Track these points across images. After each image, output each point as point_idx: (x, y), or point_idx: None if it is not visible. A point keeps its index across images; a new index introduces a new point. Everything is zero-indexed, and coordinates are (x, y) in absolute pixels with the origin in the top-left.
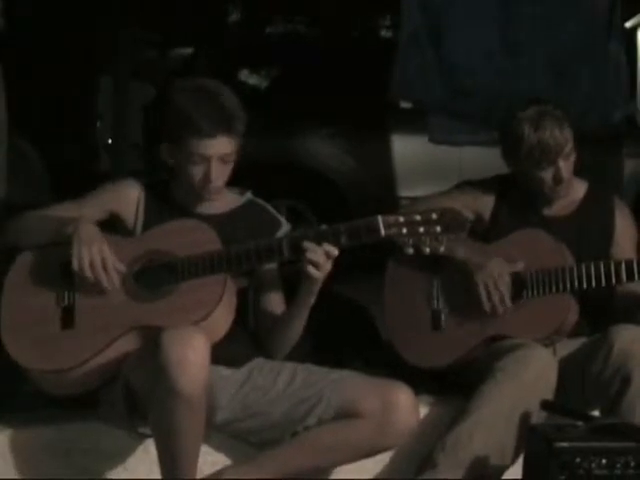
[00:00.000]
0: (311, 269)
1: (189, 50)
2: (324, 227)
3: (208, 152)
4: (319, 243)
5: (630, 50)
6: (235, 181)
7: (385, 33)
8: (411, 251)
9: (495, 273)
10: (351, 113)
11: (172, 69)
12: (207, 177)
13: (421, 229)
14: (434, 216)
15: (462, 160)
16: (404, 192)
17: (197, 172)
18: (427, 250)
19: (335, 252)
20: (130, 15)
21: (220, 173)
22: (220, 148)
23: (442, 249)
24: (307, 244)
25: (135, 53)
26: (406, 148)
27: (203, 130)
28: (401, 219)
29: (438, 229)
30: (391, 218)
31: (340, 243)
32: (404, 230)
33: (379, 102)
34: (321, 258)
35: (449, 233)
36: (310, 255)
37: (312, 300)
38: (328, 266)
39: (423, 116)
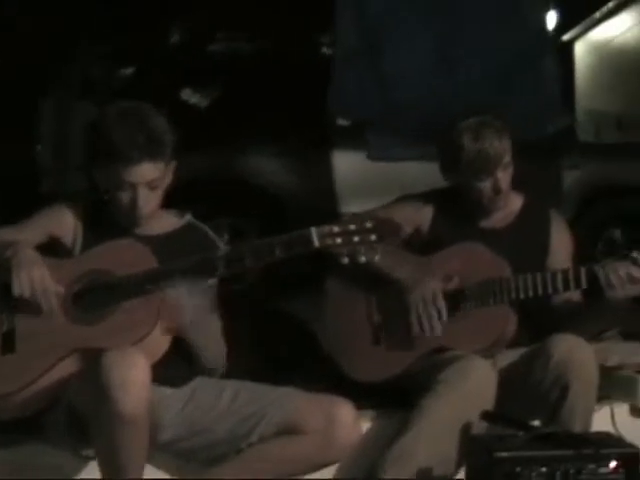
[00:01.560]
0: None
1: (131, 69)
2: (259, 241)
3: (133, 179)
4: (255, 257)
5: (568, 63)
6: (178, 199)
7: (327, 50)
8: (346, 261)
9: (428, 295)
10: (294, 130)
11: (114, 88)
12: (134, 203)
13: (356, 238)
14: (368, 225)
15: (404, 175)
16: (347, 208)
17: (124, 198)
18: (363, 259)
19: None
20: (74, 33)
21: (148, 199)
22: (146, 175)
23: (377, 257)
24: None
25: (78, 72)
26: (348, 164)
27: (127, 157)
28: (335, 229)
29: (373, 237)
30: (325, 229)
31: (275, 256)
32: (338, 240)
33: (321, 119)
34: None
35: (384, 241)
36: None
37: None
38: None
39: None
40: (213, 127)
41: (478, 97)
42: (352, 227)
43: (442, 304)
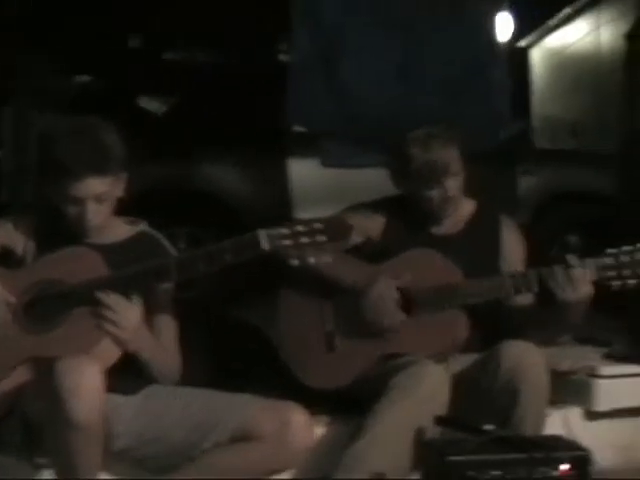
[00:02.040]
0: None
1: (88, 78)
2: (210, 246)
3: (80, 194)
4: (206, 262)
5: (524, 69)
6: (135, 208)
7: (284, 59)
8: (296, 263)
9: (383, 291)
10: (249, 139)
11: (72, 97)
12: (81, 218)
13: (305, 240)
14: (317, 226)
15: (359, 183)
16: (303, 215)
17: (72, 212)
18: (312, 260)
19: None
20: (32, 42)
21: (96, 212)
22: (93, 189)
23: (327, 258)
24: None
25: (36, 81)
26: (304, 172)
27: (74, 172)
28: (284, 231)
29: (322, 238)
30: (274, 231)
31: (226, 260)
32: (287, 242)
33: (277, 127)
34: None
35: (333, 242)
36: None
37: None
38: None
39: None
40: (170, 136)
41: (432, 107)
42: (301, 229)
43: (398, 298)
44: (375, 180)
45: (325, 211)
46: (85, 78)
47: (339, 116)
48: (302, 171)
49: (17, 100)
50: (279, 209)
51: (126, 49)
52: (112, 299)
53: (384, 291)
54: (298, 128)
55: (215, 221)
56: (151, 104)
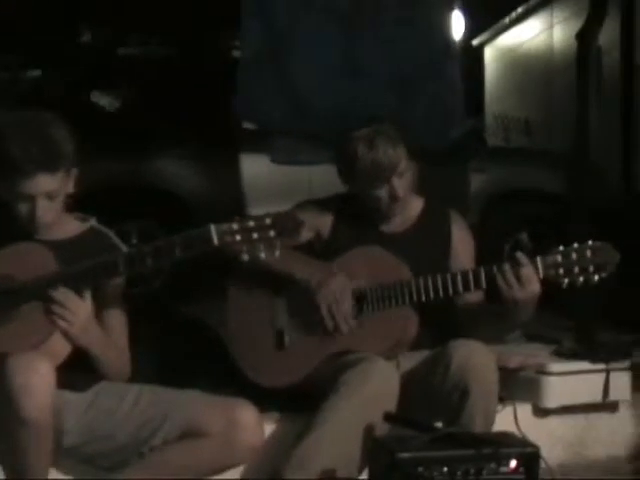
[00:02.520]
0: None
1: (39, 72)
2: (159, 240)
3: (30, 191)
4: (155, 256)
5: (477, 67)
6: (85, 204)
7: (234, 54)
8: (246, 258)
9: (337, 291)
10: (202, 134)
11: (24, 91)
12: (32, 215)
13: (255, 235)
14: (267, 221)
15: (311, 179)
16: (254, 211)
17: (22, 209)
18: (262, 255)
19: None
20: None
21: (47, 209)
22: (43, 186)
23: (277, 253)
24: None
25: None
26: (255, 168)
27: (23, 169)
28: (234, 226)
29: (272, 233)
30: (224, 226)
31: (175, 254)
32: (238, 237)
33: (228, 122)
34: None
35: (283, 237)
36: None
37: None
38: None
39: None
40: (122, 131)
41: (381, 104)
42: (251, 224)
43: (351, 298)
44: (327, 177)
45: (277, 207)
46: (36, 73)
47: (288, 113)
48: (254, 167)
49: None
50: (230, 204)
51: (78, 44)
52: (62, 294)
53: (338, 292)
54: (248, 124)
55: (168, 217)
56: (103, 99)
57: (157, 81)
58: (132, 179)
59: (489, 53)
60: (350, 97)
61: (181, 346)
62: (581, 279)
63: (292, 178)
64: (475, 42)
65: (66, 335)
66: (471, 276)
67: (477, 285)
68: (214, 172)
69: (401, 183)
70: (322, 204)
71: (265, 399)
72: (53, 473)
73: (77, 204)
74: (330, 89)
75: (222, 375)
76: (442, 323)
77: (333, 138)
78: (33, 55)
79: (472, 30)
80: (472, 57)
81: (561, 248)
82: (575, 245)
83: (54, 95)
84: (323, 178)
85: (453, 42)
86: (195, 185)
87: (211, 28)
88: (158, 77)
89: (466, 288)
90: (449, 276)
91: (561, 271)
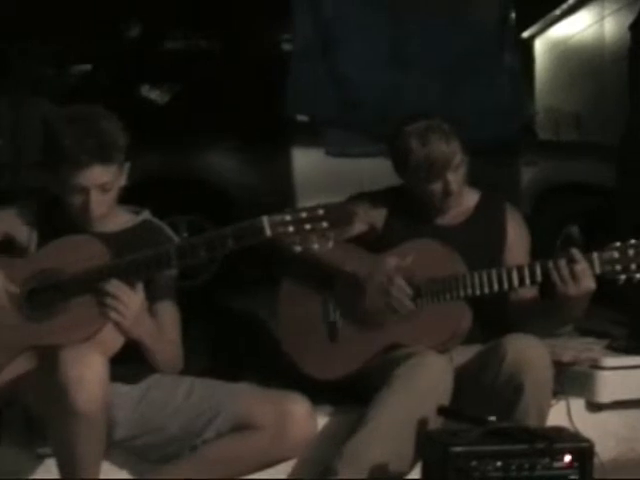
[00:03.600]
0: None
1: (89, 66)
2: (212, 232)
3: (84, 183)
4: (207, 248)
5: (527, 60)
6: (136, 197)
7: (285, 47)
8: (299, 249)
9: (389, 273)
10: (251, 127)
11: (73, 85)
12: (85, 207)
13: (308, 226)
14: (320, 212)
15: (363, 172)
16: (305, 205)
17: (75, 201)
18: (315, 247)
19: None
20: (27, 30)
21: (101, 201)
22: (97, 178)
23: (330, 244)
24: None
25: (33, 69)
26: (306, 161)
27: (78, 161)
28: (287, 217)
29: (325, 225)
30: (277, 217)
31: (228, 246)
32: (291, 228)
33: (278, 116)
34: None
35: (336, 228)
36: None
37: None
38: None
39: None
40: (172, 125)
41: (433, 95)
42: (303, 215)
43: (403, 282)
44: (380, 170)
45: (328, 200)
46: (85, 67)
47: (340, 104)
48: (304, 160)
49: (15, 89)
50: (281, 198)
51: (126, 38)
52: (114, 286)
53: (391, 274)
54: (302, 117)
55: (217, 210)
56: (153, 93)
57: (206, 75)
58: (182, 172)
59: (539, 46)
60: (401, 90)
61: (232, 339)
62: (638, 275)
63: (343, 171)
64: (525, 34)
65: (118, 327)
66: (527, 271)
67: (532, 280)
68: (265, 165)
69: (455, 177)
70: (376, 197)
71: (318, 392)
72: (105, 465)
73: (128, 197)
74: (380, 81)
75: (274, 368)
76: (494, 317)
77: (384, 131)
78: (82, 50)
79: (522, 23)
80: (522, 50)
81: (617, 244)
82: (632, 241)
83: (104, 89)
84: (375, 171)
85: (509, 34)
86: (243, 179)
87: (259, 21)
88: (207, 71)
89: (521, 283)
90: (504, 271)
91: (618, 267)
